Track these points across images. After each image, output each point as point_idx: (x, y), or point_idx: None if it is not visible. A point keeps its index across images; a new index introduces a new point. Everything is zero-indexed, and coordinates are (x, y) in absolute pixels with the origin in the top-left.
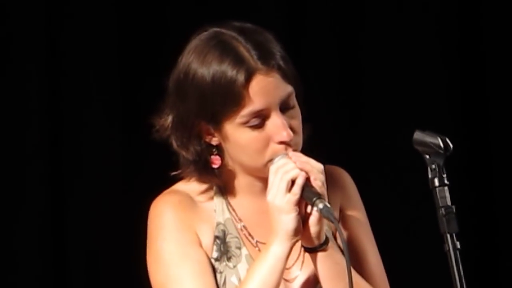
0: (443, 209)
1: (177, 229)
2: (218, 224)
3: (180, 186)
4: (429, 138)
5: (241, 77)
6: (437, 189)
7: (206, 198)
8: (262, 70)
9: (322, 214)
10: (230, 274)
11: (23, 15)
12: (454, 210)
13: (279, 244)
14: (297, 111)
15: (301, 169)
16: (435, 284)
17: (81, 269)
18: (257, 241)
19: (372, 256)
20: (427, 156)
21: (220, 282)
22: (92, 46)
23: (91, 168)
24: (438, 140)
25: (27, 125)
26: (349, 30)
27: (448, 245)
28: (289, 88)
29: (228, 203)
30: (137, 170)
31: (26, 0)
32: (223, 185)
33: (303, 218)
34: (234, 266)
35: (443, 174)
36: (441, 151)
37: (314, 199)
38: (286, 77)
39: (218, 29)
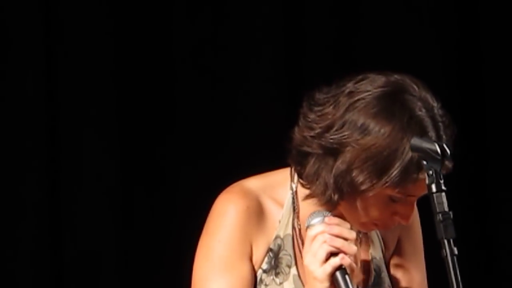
0: (440, 215)
1: (234, 237)
2: (276, 237)
3: (254, 182)
4: (426, 144)
5: (422, 175)
6: (434, 195)
7: (276, 204)
8: None
9: None
10: None
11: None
12: (451, 215)
13: None
14: None
15: (339, 248)
16: None
17: (77, 271)
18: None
19: None
20: (424, 162)
21: None
22: (88, 53)
23: (89, 172)
24: (435, 146)
25: (25, 128)
26: (346, 32)
27: (445, 251)
28: None
29: (296, 216)
30: (135, 173)
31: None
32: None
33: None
34: (281, 283)
35: (441, 179)
36: (438, 157)
37: None
38: None
39: (407, 105)
